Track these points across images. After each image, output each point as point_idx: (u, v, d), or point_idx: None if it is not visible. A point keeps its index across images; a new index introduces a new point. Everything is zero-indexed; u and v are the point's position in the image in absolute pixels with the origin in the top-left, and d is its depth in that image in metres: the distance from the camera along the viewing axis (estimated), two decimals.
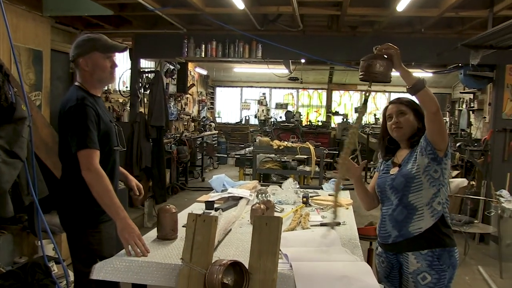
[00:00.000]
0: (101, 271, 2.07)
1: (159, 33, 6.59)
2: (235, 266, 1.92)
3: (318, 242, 2.41)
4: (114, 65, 2.47)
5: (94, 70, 2.40)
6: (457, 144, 7.48)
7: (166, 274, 2.05)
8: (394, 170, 2.40)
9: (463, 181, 6.84)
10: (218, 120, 14.66)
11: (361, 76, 2.22)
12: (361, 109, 2.34)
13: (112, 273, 2.07)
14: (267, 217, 2.11)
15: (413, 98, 2.27)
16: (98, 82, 2.46)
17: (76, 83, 2.46)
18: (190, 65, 10.93)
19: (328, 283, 1.94)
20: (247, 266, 1.93)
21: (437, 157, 2.22)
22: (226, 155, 11.07)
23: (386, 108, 2.53)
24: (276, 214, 3.00)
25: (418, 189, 2.27)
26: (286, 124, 11.61)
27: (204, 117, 13.00)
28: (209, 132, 11.96)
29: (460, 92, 10.50)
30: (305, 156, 5.41)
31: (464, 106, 10.36)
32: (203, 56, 6.46)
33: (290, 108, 13.97)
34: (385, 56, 2.17)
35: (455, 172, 7.68)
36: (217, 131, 12.78)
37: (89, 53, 2.39)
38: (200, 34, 6.48)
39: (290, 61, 7.84)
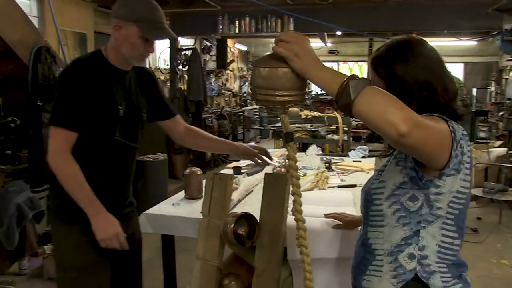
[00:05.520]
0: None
1: (194, 12, 6.85)
2: (248, 218, 2.14)
3: (330, 202, 2.59)
4: (149, 51, 2.02)
5: (124, 43, 1.94)
6: (500, 114, 7.38)
7: (190, 227, 2.32)
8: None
9: (502, 151, 6.80)
10: None
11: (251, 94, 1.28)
12: None
13: (142, 226, 2.35)
14: (277, 174, 2.33)
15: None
16: (123, 58, 1.99)
17: (102, 47, 2.03)
18: (230, 42, 11.13)
19: (318, 236, 2.13)
20: None
21: (420, 178, 1.29)
22: (262, 127, 11.32)
23: None
24: None
25: (377, 224, 1.40)
26: (325, 96, 11.69)
27: (245, 92, 13.25)
28: (250, 107, 12.22)
29: (507, 60, 10.20)
30: (336, 125, 5.61)
31: (511, 74, 10.10)
32: (237, 32, 6.69)
33: None
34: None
35: (498, 142, 7.63)
36: (258, 106, 13.00)
37: (128, 22, 1.91)
38: (233, 11, 6.70)
39: (326, 34, 7.91)
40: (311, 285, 1.37)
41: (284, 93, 1.16)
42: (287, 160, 3.53)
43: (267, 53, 1.21)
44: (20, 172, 4.17)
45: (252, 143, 2.47)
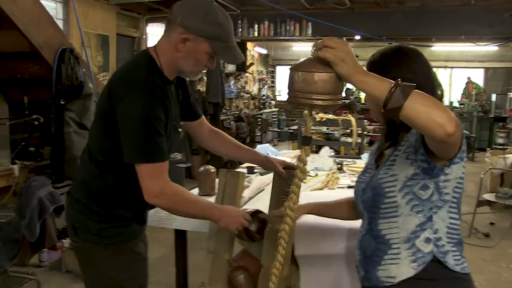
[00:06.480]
0: (148, 219, 2.44)
1: None
2: (259, 215, 2.13)
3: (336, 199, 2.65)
4: (210, 66, 1.81)
5: (187, 57, 1.71)
6: None
7: (202, 222, 2.40)
8: (371, 174, 1.58)
9: None
10: (279, 98, 14.94)
11: (289, 98, 1.29)
12: None
13: (158, 221, 2.45)
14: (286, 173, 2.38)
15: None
16: (177, 70, 1.77)
17: (151, 51, 1.76)
18: (250, 45, 11.25)
19: (316, 234, 2.18)
20: None
21: (432, 168, 1.38)
22: (279, 130, 11.42)
23: None
24: (309, 178, 3.30)
25: (391, 215, 1.46)
26: (343, 100, 11.75)
27: (264, 95, 13.35)
28: (268, 110, 12.33)
29: None
30: (351, 128, 5.68)
31: None
32: (256, 35, 6.81)
33: (350, 85, 13.93)
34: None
35: None
36: (277, 109, 13.12)
37: (200, 37, 1.67)
38: (252, 15, 6.84)
39: (345, 38, 7.98)
40: (276, 273, 1.49)
41: (327, 97, 1.21)
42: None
43: (306, 58, 1.25)
44: (43, 168, 4.33)
45: (280, 158, 2.33)
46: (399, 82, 1.16)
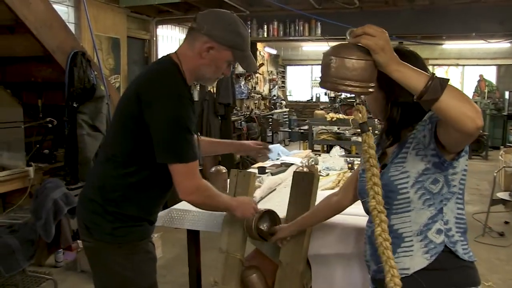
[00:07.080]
0: (161, 219, 2.43)
1: None
2: (270, 215, 2.17)
3: None
4: (226, 74, 1.92)
5: (210, 64, 1.81)
6: None
7: (214, 222, 2.43)
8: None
9: None
10: (289, 98, 14.95)
11: (321, 83, 1.27)
12: None
13: (170, 221, 2.49)
14: (304, 173, 2.40)
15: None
16: (195, 76, 1.86)
17: (174, 58, 1.83)
18: (260, 45, 11.27)
19: (327, 234, 2.20)
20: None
21: (442, 162, 1.44)
22: (290, 130, 11.42)
23: None
24: (320, 177, 3.31)
25: (403, 210, 1.50)
26: (353, 100, 11.72)
27: (274, 95, 13.37)
28: (279, 110, 12.34)
29: None
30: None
31: None
32: (265, 36, 6.83)
33: None
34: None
35: None
36: (288, 109, 13.13)
37: (224, 46, 1.79)
38: (262, 15, 6.85)
39: None
40: (397, 281, 1.27)
41: (363, 84, 1.21)
42: (311, 159, 3.61)
43: (342, 44, 1.23)
44: (57, 170, 4.40)
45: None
46: (434, 75, 1.19)
